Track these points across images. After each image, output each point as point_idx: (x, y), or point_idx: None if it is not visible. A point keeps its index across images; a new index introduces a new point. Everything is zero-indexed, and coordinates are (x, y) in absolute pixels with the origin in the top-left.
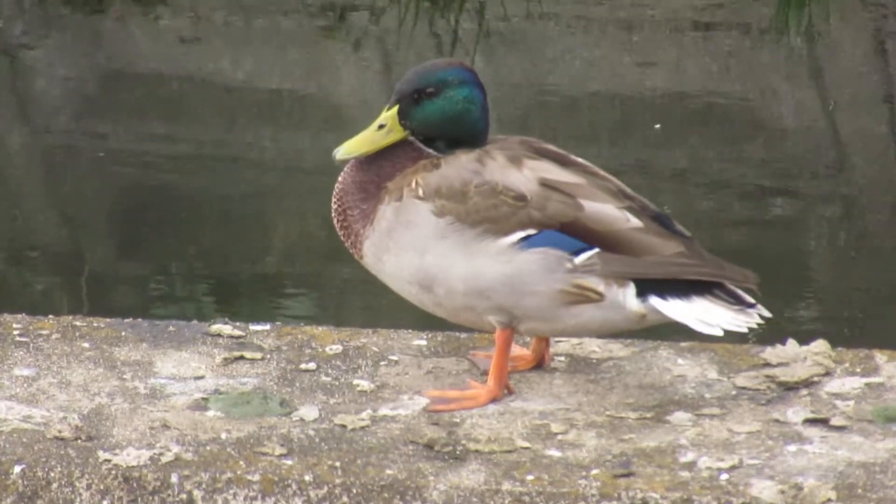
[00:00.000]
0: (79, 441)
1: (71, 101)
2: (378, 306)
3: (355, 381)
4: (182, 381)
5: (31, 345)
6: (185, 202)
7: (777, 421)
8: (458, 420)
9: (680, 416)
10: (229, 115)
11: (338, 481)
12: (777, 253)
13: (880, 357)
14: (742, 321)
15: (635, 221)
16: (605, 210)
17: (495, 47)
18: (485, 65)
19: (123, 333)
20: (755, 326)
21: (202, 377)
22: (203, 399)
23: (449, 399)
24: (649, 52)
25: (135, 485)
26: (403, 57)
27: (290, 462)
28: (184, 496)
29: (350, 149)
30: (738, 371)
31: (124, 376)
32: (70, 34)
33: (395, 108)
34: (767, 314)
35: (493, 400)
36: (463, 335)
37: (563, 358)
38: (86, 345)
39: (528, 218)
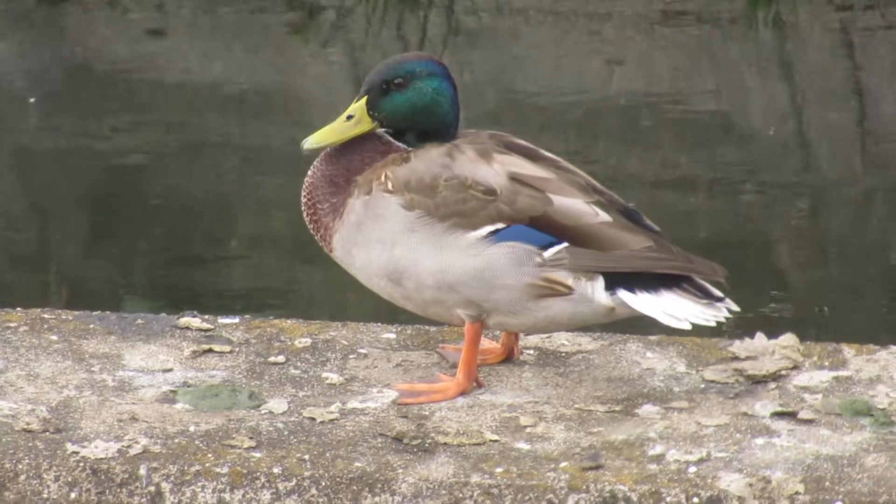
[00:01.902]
0: (47, 433)
1: (37, 94)
2: (347, 300)
3: (324, 374)
4: (150, 374)
5: None
6: (152, 196)
7: (745, 414)
8: (427, 413)
9: (648, 410)
10: (196, 109)
11: (306, 474)
12: (746, 247)
13: (848, 351)
14: (710, 315)
15: (604, 216)
16: (574, 205)
17: (463, 45)
18: (454, 62)
19: (92, 326)
20: (723, 320)
21: (171, 370)
22: (171, 392)
23: (418, 392)
24: (618, 47)
25: (103, 477)
26: (371, 54)
27: (258, 455)
28: (152, 488)
29: (318, 139)
30: (707, 364)
31: (92, 369)
32: (37, 28)
33: (364, 99)
34: (736, 308)
35: (463, 393)
36: (432, 328)
37: (532, 351)
38: (54, 337)
39: (498, 212)
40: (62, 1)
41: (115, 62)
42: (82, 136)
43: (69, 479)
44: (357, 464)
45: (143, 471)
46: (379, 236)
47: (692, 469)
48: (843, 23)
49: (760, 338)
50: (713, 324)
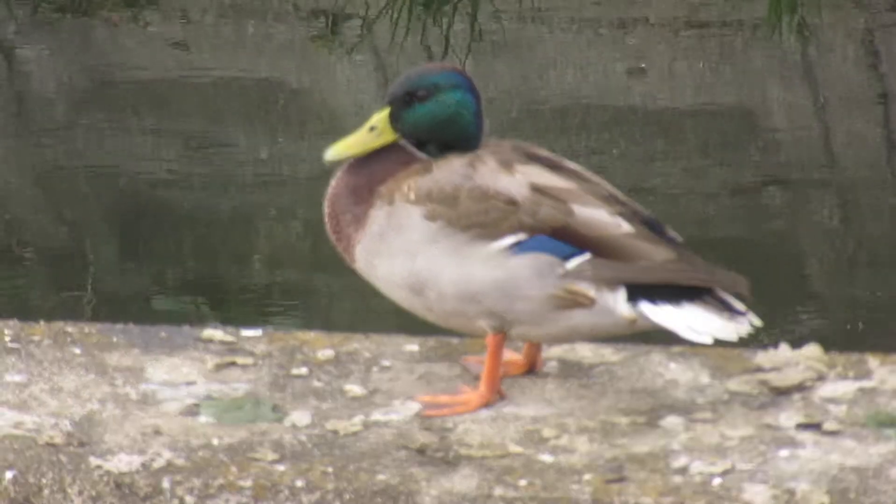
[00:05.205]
0: (70, 447)
1: (62, 105)
2: (370, 311)
3: (347, 387)
4: (173, 387)
5: (23, 351)
6: (177, 207)
7: (769, 426)
8: (450, 425)
9: (672, 421)
10: (219, 120)
11: (330, 487)
12: (770, 257)
13: (873, 361)
14: (732, 329)
15: (627, 227)
16: (597, 215)
17: (487, 53)
18: (477, 70)
19: (115, 339)
20: (745, 335)
21: (193, 383)
22: (195, 405)
23: (441, 404)
24: (642, 54)
25: (126, 490)
26: (395, 62)
27: (282, 468)
28: (175, 502)
29: (340, 150)
30: (731, 375)
31: (116, 382)
32: (61, 39)
33: (387, 111)
34: (758, 322)
35: (486, 405)
36: (455, 340)
37: (554, 363)
38: (77, 351)
39: (519, 223)
40: (86, 13)
41: (139, 74)
42: (108, 148)
43: (93, 493)
44: (380, 476)
45: (166, 484)
46: (401, 247)
47: (716, 481)
48: (867, 26)
49: (784, 348)
50: (735, 338)
